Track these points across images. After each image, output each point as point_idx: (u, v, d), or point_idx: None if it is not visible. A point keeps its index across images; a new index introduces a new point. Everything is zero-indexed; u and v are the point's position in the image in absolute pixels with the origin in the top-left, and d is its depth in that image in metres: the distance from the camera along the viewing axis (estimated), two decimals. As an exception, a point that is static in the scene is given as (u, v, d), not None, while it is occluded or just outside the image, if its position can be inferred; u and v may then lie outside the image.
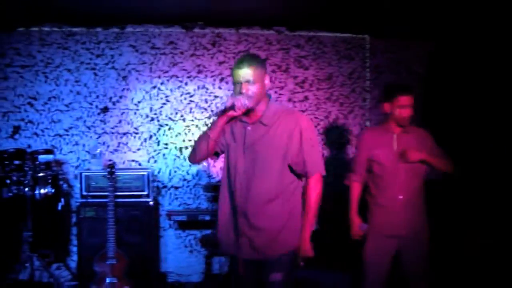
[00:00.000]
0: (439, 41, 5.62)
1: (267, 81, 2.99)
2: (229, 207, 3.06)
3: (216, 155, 3.20)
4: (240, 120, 3.01)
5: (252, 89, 2.89)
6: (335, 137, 5.85)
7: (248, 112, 2.95)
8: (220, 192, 3.15)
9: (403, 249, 3.95)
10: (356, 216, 4.11)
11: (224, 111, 2.91)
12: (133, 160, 5.70)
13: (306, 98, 5.85)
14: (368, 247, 4.04)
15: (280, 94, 5.81)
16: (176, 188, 5.74)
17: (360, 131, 5.79)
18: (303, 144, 2.93)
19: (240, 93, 2.89)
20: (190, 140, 5.72)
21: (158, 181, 5.70)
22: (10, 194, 5.02)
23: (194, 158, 3.13)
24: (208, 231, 5.68)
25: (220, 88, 5.76)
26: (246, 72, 2.87)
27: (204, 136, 3.02)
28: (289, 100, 5.83)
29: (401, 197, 3.89)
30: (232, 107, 2.87)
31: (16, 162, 5.05)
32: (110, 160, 5.28)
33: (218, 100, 5.76)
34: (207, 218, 5.32)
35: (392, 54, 5.92)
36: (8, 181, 5.03)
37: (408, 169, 3.88)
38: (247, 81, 2.88)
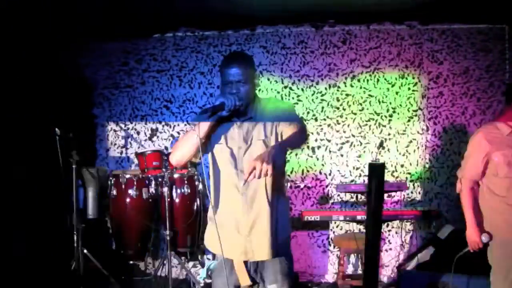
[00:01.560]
0: None
1: (257, 81, 2.87)
2: (232, 209, 2.88)
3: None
4: (230, 120, 2.84)
5: (244, 89, 2.75)
6: (472, 134, 5.57)
7: (238, 113, 2.79)
8: (208, 191, 2.97)
9: None
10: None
11: (213, 111, 2.68)
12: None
13: (440, 94, 5.64)
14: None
15: (413, 90, 5.64)
16: (309, 188, 5.72)
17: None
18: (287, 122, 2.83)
19: (231, 93, 2.72)
20: (322, 140, 5.69)
21: (291, 181, 5.70)
22: (149, 194, 5.22)
23: (178, 159, 2.87)
24: (342, 231, 5.62)
25: (352, 86, 5.68)
26: (237, 72, 2.72)
27: (190, 137, 2.79)
28: (423, 96, 5.64)
29: None
30: (222, 107, 2.68)
31: (155, 163, 5.24)
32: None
33: (350, 98, 5.68)
34: (341, 218, 5.24)
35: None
36: (147, 182, 5.23)
37: None
38: (239, 81, 2.73)
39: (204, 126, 2.75)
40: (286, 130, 2.81)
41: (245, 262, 2.92)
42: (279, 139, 2.83)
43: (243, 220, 2.86)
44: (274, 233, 2.87)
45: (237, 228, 2.88)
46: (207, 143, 2.89)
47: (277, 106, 2.91)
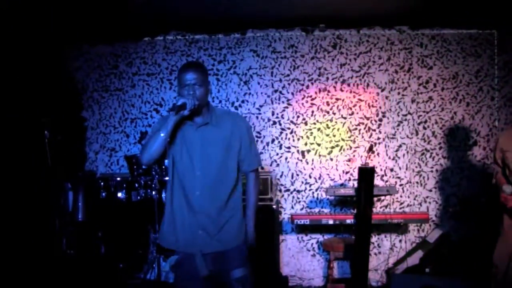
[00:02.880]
0: None
1: (209, 87, 3.14)
2: (185, 206, 3.10)
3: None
4: (189, 123, 3.09)
5: (199, 91, 3.01)
6: (461, 138, 5.62)
7: (195, 113, 3.03)
8: (169, 191, 3.18)
9: None
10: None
11: (178, 109, 2.93)
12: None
13: (430, 98, 5.66)
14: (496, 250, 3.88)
15: (403, 95, 5.66)
16: (299, 191, 5.73)
17: (488, 131, 5.56)
18: (247, 141, 3.19)
19: (188, 94, 2.98)
20: (312, 144, 5.69)
21: (281, 185, 5.71)
22: (139, 197, 5.21)
23: (147, 159, 3.07)
24: (331, 235, 5.63)
25: (342, 90, 5.69)
26: (193, 76, 3.01)
27: (156, 137, 3.01)
28: (413, 101, 5.66)
29: None
30: (183, 107, 2.93)
31: (144, 166, 5.20)
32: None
33: (340, 102, 5.69)
34: (331, 222, 5.27)
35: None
36: (136, 185, 5.22)
37: None
38: (194, 84, 3.00)
39: (169, 125, 2.97)
40: (246, 154, 3.18)
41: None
42: (235, 154, 3.15)
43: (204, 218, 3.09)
44: (235, 225, 3.16)
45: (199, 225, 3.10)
46: (170, 144, 3.09)
47: (236, 121, 3.21)
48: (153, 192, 5.07)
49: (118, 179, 5.24)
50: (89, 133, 5.87)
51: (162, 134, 2.98)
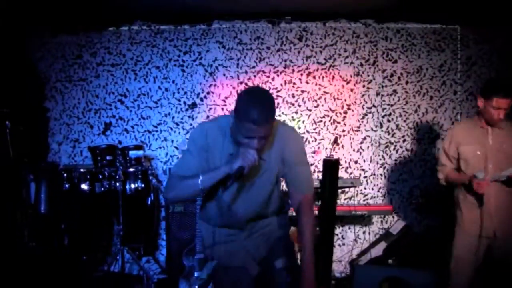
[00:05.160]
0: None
1: None
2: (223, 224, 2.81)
3: None
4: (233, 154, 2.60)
5: (265, 141, 2.52)
6: (424, 131, 5.69)
7: None
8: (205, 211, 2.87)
9: (496, 249, 3.79)
10: (467, 175, 3.84)
11: (235, 177, 2.48)
12: (220, 156, 5.70)
13: (394, 92, 5.72)
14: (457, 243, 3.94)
15: (368, 88, 5.70)
16: (264, 183, 5.73)
17: (451, 125, 5.64)
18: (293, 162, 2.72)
19: (251, 148, 2.46)
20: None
21: (245, 176, 5.70)
22: (102, 189, 5.15)
23: (173, 199, 2.84)
24: (295, 227, 5.64)
25: (307, 82, 5.70)
26: (266, 128, 2.43)
27: (194, 186, 2.57)
28: (377, 94, 5.71)
29: (491, 198, 3.73)
30: (242, 171, 2.46)
31: (108, 157, 5.19)
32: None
33: (305, 95, 5.70)
34: (295, 214, 5.27)
35: (484, 45, 5.69)
36: (100, 176, 5.16)
37: (497, 170, 3.73)
38: (263, 137, 2.46)
39: (212, 181, 2.56)
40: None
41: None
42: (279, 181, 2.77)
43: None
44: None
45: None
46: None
47: (293, 149, 2.71)
48: (117, 184, 5.00)
49: (82, 170, 5.16)
50: (52, 123, 5.76)
51: (201, 187, 2.55)
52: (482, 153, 3.78)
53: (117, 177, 5.02)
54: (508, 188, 3.74)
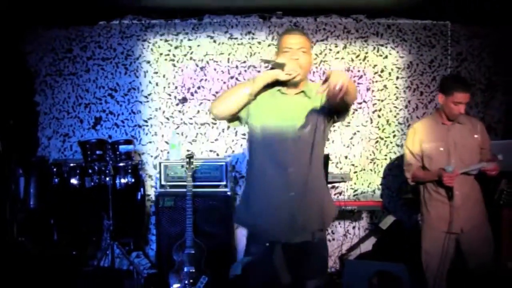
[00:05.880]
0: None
1: (312, 60, 2.80)
2: (276, 187, 2.69)
3: (234, 122, 2.85)
4: (280, 91, 2.72)
5: (304, 58, 2.66)
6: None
7: (292, 85, 2.70)
8: (253, 169, 2.79)
9: (463, 244, 3.85)
10: (435, 171, 3.87)
11: (273, 66, 2.59)
12: (211, 150, 5.71)
13: (385, 87, 5.73)
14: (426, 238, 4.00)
15: (358, 83, 5.70)
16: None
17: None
18: None
19: (292, 59, 2.61)
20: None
21: (236, 171, 5.70)
22: (92, 183, 5.14)
23: (220, 110, 2.68)
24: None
25: (298, 77, 5.69)
26: (300, 40, 2.65)
27: (239, 89, 2.67)
28: (368, 89, 5.72)
29: (457, 192, 3.78)
30: (282, 66, 2.57)
31: (98, 152, 5.18)
32: (188, 150, 5.31)
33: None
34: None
35: (474, 41, 5.71)
36: (90, 171, 5.14)
37: (460, 165, 3.78)
38: (299, 48, 2.63)
39: (259, 82, 2.63)
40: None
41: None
42: (324, 131, 2.80)
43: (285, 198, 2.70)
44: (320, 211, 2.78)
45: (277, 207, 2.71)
46: (248, 109, 2.72)
47: None
48: (107, 178, 5.00)
49: (72, 165, 5.15)
50: (42, 118, 5.73)
51: (246, 90, 2.62)
52: (445, 149, 3.85)
53: (107, 171, 5.02)
54: (470, 181, 3.82)
